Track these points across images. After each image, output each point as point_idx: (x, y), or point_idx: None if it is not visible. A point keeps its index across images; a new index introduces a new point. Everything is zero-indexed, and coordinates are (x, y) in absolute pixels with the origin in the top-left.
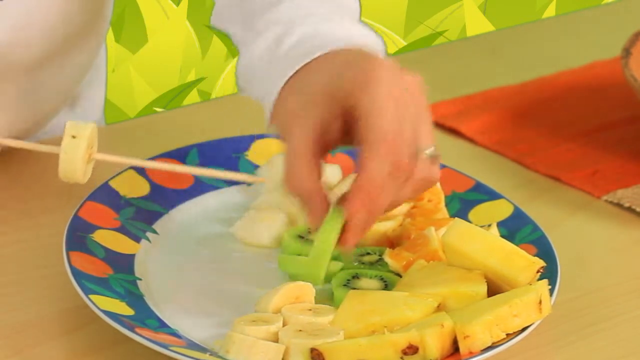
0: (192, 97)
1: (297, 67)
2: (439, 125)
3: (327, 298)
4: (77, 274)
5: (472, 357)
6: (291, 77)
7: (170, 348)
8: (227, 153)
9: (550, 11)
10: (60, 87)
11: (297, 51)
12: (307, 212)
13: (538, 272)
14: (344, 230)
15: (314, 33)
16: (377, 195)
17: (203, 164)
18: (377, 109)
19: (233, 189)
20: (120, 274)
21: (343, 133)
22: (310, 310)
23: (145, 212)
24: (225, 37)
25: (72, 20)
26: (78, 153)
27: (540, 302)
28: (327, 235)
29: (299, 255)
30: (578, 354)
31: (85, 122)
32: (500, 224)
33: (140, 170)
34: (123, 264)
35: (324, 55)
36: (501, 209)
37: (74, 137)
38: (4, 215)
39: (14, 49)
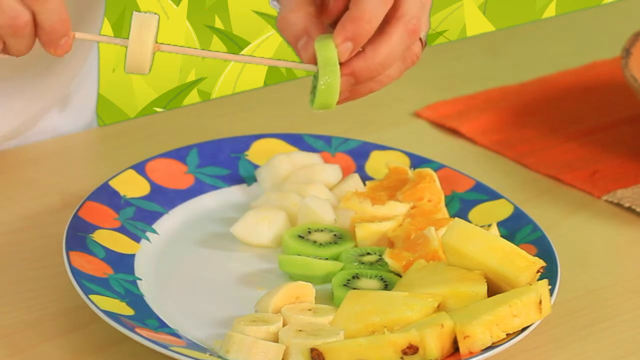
0: (192, 97)
1: None
2: (439, 125)
3: (327, 298)
4: (77, 274)
5: (472, 357)
6: None
7: (170, 348)
8: (227, 153)
9: (550, 11)
10: (50, 87)
11: None
12: (301, 49)
13: (538, 272)
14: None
15: None
16: (368, 21)
17: (203, 164)
18: None
19: (233, 189)
20: (120, 274)
21: None
22: (310, 310)
23: (145, 212)
24: (225, 37)
25: None
26: (147, 42)
27: (540, 302)
28: (327, 54)
29: (299, 255)
30: (578, 354)
31: (151, 13)
32: (500, 224)
33: (141, 170)
34: (123, 264)
35: None
36: (501, 209)
37: (141, 26)
38: (3, 216)
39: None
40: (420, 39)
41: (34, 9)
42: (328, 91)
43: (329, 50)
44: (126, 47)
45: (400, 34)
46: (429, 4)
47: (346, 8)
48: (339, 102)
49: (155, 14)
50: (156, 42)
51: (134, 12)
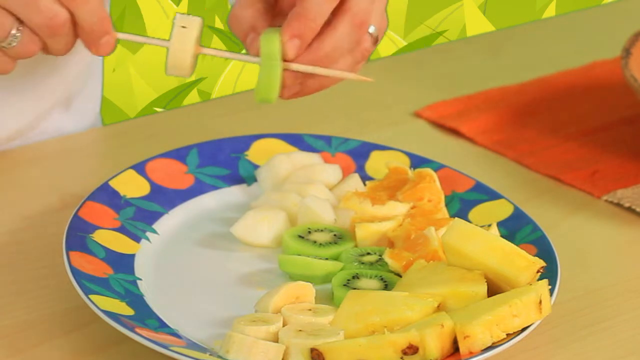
0: (192, 97)
1: None
2: (439, 125)
3: (327, 298)
4: (77, 274)
5: (472, 357)
6: None
7: (170, 348)
8: (227, 153)
9: (550, 11)
10: (54, 87)
11: None
12: (248, 46)
13: (538, 272)
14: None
15: None
16: (314, 18)
17: (203, 164)
18: None
19: (233, 189)
20: (120, 274)
21: None
22: (310, 310)
23: (145, 212)
24: (225, 37)
25: None
26: (189, 44)
27: (540, 302)
28: (269, 48)
29: (299, 255)
30: (578, 354)
31: (194, 16)
32: (500, 224)
33: (141, 170)
34: (123, 264)
35: None
36: (501, 209)
37: (183, 27)
38: (3, 216)
39: None
40: (372, 34)
41: (72, 9)
42: (268, 85)
43: (272, 45)
44: (167, 48)
45: (346, 27)
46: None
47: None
48: (290, 97)
49: (198, 17)
50: (199, 45)
51: (177, 13)
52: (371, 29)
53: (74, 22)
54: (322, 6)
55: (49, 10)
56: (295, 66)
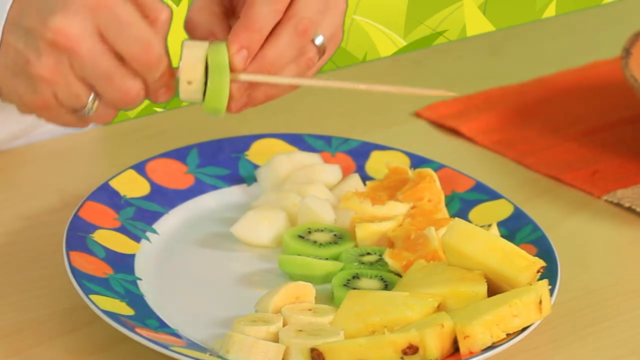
0: None
1: None
2: (439, 125)
3: (327, 298)
4: (77, 274)
5: (472, 357)
6: None
7: (170, 348)
8: (227, 153)
9: (550, 11)
10: None
11: None
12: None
13: (538, 272)
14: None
15: None
16: (259, 28)
17: (203, 164)
18: None
19: (233, 189)
20: (120, 274)
21: None
22: (310, 310)
23: (145, 212)
24: None
25: None
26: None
27: (540, 302)
28: (216, 59)
29: (299, 255)
30: (578, 354)
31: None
32: (500, 224)
33: (141, 170)
34: (123, 264)
35: None
36: (501, 209)
37: (189, 83)
38: (3, 216)
39: None
40: (318, 45)
41: (145, 77)
42: (216, 96)
43: (219, 55)
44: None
45: (289, 35)
46: (338, 8)
47: None
48: (238, 109)
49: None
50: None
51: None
52: (318, 40)
53: (146, 85)
54: (267, 16)
55: (123, 85)
56: (243, 76)
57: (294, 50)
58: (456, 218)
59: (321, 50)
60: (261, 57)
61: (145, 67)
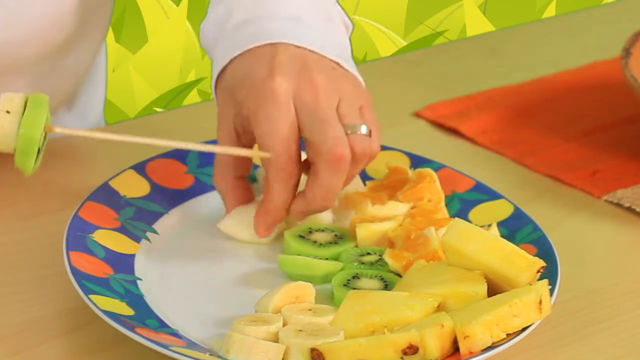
0: (192, 97)
1: (237, 53)
2: (439, 125)
3: (327, 298)
4: (77, 274)
5: (472, 357)
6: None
7: (170, 348)
8: None
9: (550, 11)
10: (57, 87)
11: (243, 33)
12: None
13: (538, 272)
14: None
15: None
16: (278, 208)
17: (203, 164)
18: (265, 130)
19: None
20: (120, 274)
21: None
22: (310, 310)
23: (145, 212)
24: None
25: (67, 20)
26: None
27: (540, 302)
28: (33, 133)
29: (299, 255)
30: (578, 354)
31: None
32: (500, 224)
33: (141, 170)
34: (123, 264)
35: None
36: (501, 209)
37: (8, 112)
38: (3, 216)
39: (7, 48)
40: (364, 134)
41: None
42: (25, 159)
43: (33, 130)
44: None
45: (325, 171)
46: (362, 99)
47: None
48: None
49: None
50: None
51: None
52: (362, 129)
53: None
54: (283, 192)
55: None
56: (58, 129)
57: (337, 178)
58: (456, 218)
59: (370, 132)
60: (313, 198)
61: None
